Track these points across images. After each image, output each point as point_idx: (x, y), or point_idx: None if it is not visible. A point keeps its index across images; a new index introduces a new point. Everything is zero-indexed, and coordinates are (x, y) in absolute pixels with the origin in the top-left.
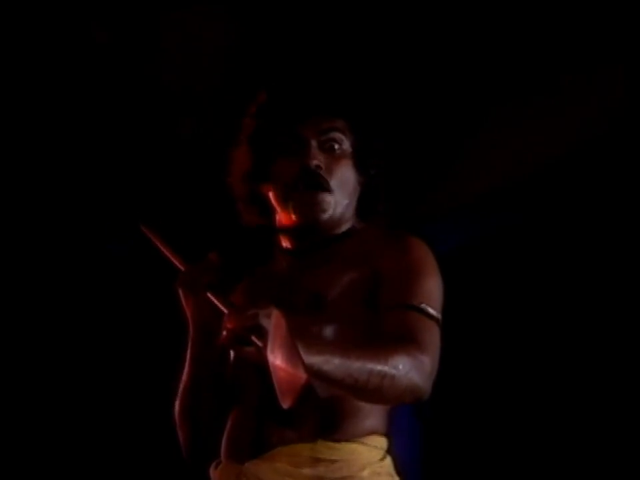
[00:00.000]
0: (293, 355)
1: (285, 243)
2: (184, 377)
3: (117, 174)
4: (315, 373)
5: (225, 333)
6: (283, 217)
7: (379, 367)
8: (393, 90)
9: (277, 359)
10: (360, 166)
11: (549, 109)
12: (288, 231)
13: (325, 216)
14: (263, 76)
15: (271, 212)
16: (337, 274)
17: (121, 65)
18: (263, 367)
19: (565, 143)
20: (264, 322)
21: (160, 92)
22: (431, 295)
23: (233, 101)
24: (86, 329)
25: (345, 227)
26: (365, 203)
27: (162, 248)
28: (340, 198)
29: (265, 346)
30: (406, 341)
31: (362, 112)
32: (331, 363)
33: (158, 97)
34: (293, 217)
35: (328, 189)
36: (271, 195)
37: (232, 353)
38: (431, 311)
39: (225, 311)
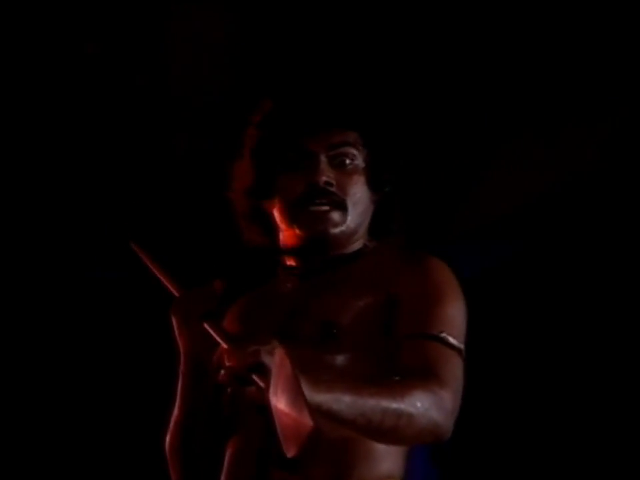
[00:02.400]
0: (297, 398)
1: (290, 262)
2: (175, 410)
3: (106, 189)
4: (323, 413)
5: (223, 371)
6: (288, 235)
7: (394, 405)
8: (409, 103)
9: (280, 403)
10: (373, 183)
11: (560, 141)
12: (293, 250)
13: (336, 231)
14: (266, 84)
15: (274, 230)
16: (350, 298)
17: (114, 75)
18: (265, 407)
19: (577, 171)
20: (266, 359)
21: (154, 104)
22: (453, 322)
23: (233, 113)
24: (71, 360)
25: (356, 247)
26: (378, 222)
27: (154, 270)
28: (352, 217)
29: (267, 386)
30: (424, 374)
31: (376, 124)
32: (342, 402)
33: (152, 110)
34: (300, 233)
35: (339, 207)
36: (275, 212)
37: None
38: (452, 340)
39: (224, 345)
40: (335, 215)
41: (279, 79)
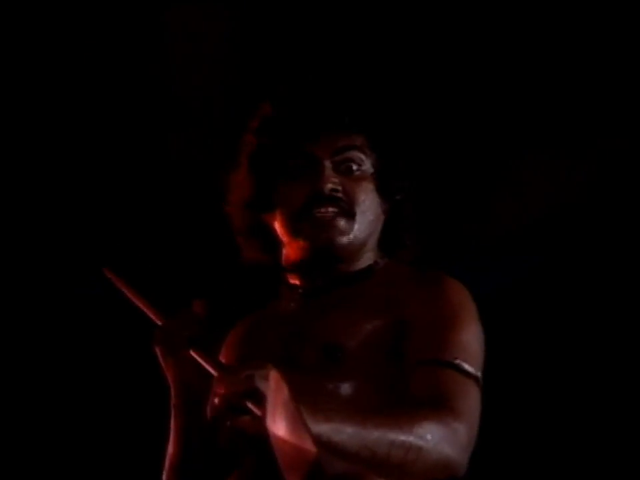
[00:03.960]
0: (298, 424)
1: (294, 280)
2: (170, 447)
3: (94, 197)
4: (323, 445)
5: (215, 400)
6: (292, 249)
7: (402, 437)
8: (421, 111)
9: (278, 430)
10: (383, 190)
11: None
12: (297, 266)
13: (343, 240)
14: (267, 85)
15: (276, 246)
16: (357, 320)
17: (111, 74)
18: (263, 437)
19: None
20: (261, 385)
21: (151, 103)
22: (469, 348)
23: (232, 115)
24: (58, 382)
25: (365, 262)
26: (389, 234)
27: (131, 297)
28: (361, 226)
29: (264, 414)
30: (436, 404)
31: (384, 126)
32: (343, 433)
33: (148, 110)
34: (303, 244)
35: (347, 213)
36: (276, 225)
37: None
38: (467, 367)
39: (213, 372)
40: (342, 222)
41: (279, 80)
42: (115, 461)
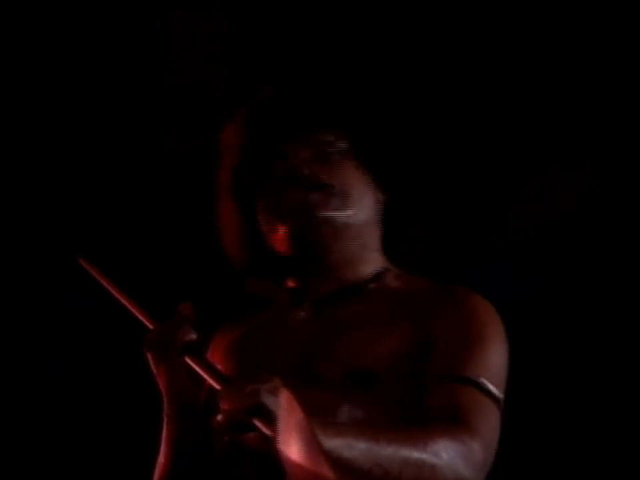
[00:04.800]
0: (314, 448)
1: (291, 284)
2: (160, 458)
3: (74, 195)
4: (333, 461)
5: (218, 416)
6: (274, 242)
7: (415, 455)
8: (427, 109)
9: (292, 453)
10: (370, 171)
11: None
12: (285, 261)
13: (325, 214)
14: (264, 79)
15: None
16: (383, 340)
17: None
18: (270, 457)
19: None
20: (267, 400)
21: (147, 99)
22: (494, 368)
23: (230, 108)
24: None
25: (372, 266)
26: (390, 230)
27: (118, 297)
28: (352, 205)
29: (274, 433)
30: (453, 421)
31: (361, 118)
32: (355, 449)
33: (143, 106)
34: (283, 229)
35: (328, 189)
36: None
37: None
38: (490, 387)
39: (214, 384)
40: (321, 197)
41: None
42: (105, 473)
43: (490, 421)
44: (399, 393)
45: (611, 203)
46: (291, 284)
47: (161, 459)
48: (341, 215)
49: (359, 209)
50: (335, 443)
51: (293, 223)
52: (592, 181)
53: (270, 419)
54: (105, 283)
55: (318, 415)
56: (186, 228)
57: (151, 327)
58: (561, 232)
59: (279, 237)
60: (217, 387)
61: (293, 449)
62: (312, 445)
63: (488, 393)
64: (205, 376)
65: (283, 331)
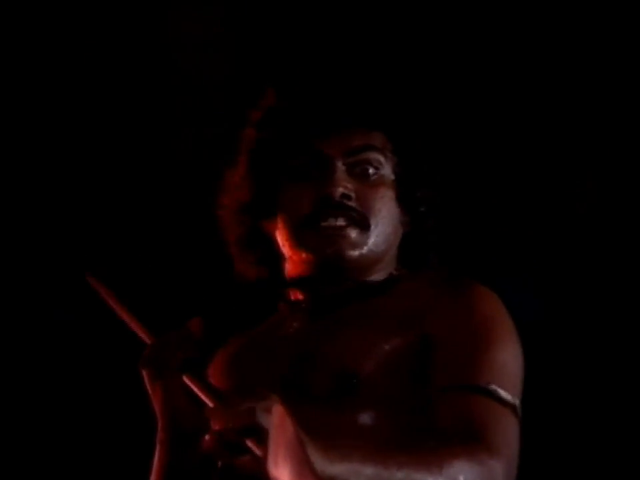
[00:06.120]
0: (303, 469)
1: (296, 296)
2: None
3: (73, 204)
4: None
5: (209, 436)
6: (294, 262)
7: (429, 479)
8: (455, 102)
9: (281, 475)
10: (404, 200)
11: None
12: (301, 281)
13: (354, 254)
14: (273, 73)
15: (276, 258)
16: (373, 341)
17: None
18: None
19: None
20: (263, 420)
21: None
22: (505, 371)
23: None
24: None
25: (379, 276)
26: (409, 251)
27: (118, 310)
28: (377, 239)
29: (265, 455)
30: (468, 438)
31: (410, 124)
32: (361, 475)
33: (148, 106)
34: (308, 257)
35: (360, 224)
36: (277, 234)
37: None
38: (503, 394)
39: (209, 403)
40: (353, 233)
41: (286, 67)
42: None
43: (508, 433)
44: (389, 396)
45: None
46: (294, 297)
47: None
48: (373, 251)
49: (387, 239)
50: (340, 469)
51: (320, 256)
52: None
53: (263, 439)
54: (105, 296)
55: (312, 429)
56: (191, 241)
57: (148, 341)
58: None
59: (299, 256)
60: (210, 404)
61: (281, 471)
62: (302, 467)
63: (502, 402)
64: (201, 395)
65: (276, 343)
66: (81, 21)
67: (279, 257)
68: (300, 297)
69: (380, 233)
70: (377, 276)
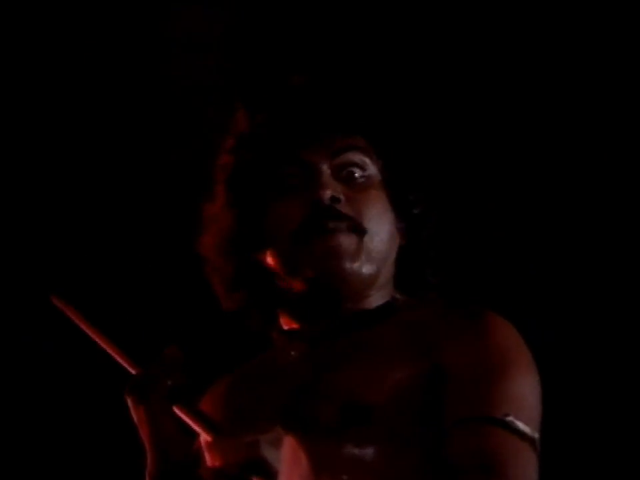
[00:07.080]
0: None
1: (291, 325)
2: None
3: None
4: None
5: (207, 472)
6: (290, 288)
7: None
8: (445, 106)
9: None
10: (396, 201)
11: None
12: (300, 306)
13: (355, 266)
14: (271, 74)
15: (270, 290)
16: (382, 370)
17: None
18: None
19: None
20: (268, 454)
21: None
22: (522, 402)
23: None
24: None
25: (379, 299)
26: (406, 268)
27: (96, 338)
28: (377, 245)
29: None
30: (484, 474)
31: (388, 127)
32: None
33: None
34: (305, 278)
35: (355, 229)
36: (269, 260)
37: None
38: (522, 426)
39: (205, 435)
40: (351, 244)
41: (255, 82)
42: None
43: (528, 469)
44: (399, 429)
45: None
46: (289, 326)
47: None
48: (375, 260)
49: (385, 246)
50: None
51: (319, 276)
52: None
53: (270, 475)
54: (80, 322)
55: (319, 463)
56: (168, 259)
57: (133, 371)
58: None
59: (295, 279)
60: (208, 437)
61: None
62: None
63: (520, 434)
64: (195, 426)
65: (272, 374)
66: (81, 21)
67: (273, 288)
68: (295, 325)
69: (377, 237)
70: (376, 298)
